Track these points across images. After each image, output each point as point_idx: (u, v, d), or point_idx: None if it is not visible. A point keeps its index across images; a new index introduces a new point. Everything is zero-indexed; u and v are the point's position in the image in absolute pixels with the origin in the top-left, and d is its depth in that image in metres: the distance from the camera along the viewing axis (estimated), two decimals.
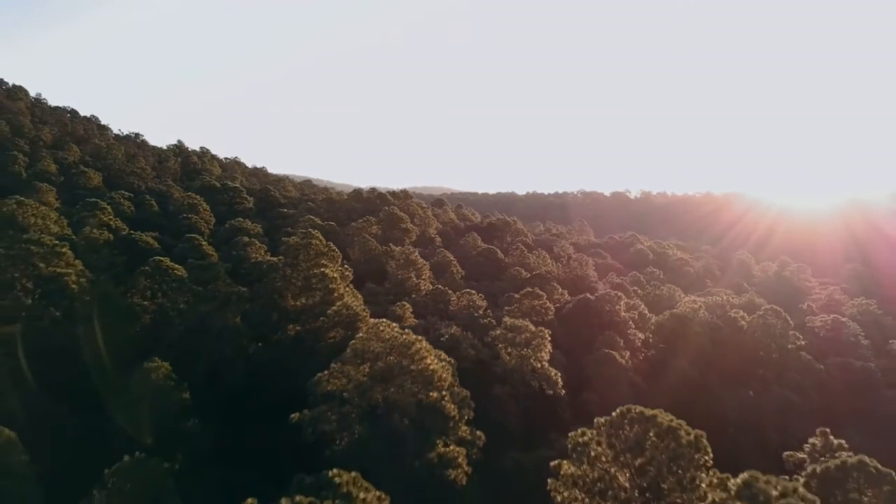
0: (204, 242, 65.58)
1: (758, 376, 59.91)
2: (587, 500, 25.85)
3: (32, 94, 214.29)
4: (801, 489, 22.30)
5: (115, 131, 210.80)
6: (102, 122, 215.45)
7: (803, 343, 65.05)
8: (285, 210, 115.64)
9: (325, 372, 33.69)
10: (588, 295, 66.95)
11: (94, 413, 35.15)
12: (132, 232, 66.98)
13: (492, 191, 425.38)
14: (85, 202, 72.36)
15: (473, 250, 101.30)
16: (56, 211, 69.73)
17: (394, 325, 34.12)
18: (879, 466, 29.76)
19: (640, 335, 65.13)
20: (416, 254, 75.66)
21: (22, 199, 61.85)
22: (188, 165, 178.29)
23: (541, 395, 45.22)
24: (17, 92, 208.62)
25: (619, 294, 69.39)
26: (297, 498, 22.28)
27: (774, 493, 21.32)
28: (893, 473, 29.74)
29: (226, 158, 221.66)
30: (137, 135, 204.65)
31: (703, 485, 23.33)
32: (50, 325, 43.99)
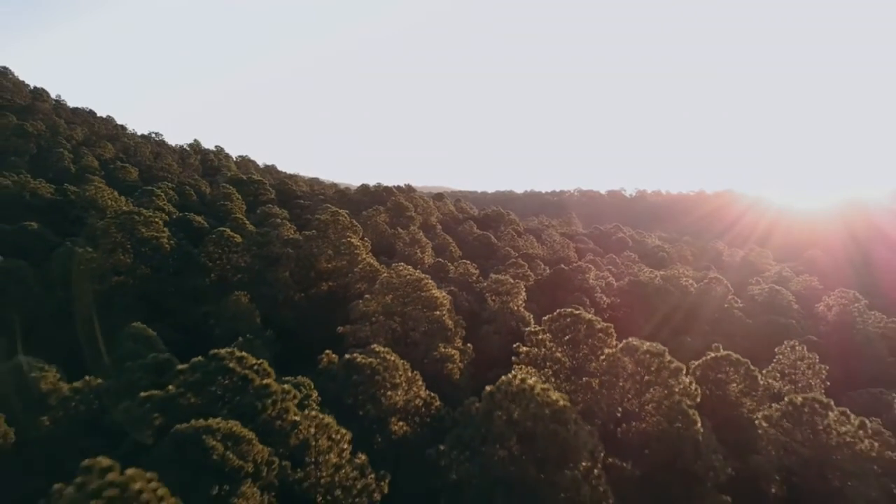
0: (247, 222, 79.38)
1: (699, 330, 73.67)
2: (535, 370, 39.64)
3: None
4: (667, 354, 36.06)
5: (130, 130, 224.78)
6: (118, 122, 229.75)
7: (740, 305, 78.98)
8: (302, 201, 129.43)
9: (361, 300, 47.53)
10: (563, 265, 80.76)
11: (191, 331, 49.12)
12: (185, 214, 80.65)
13: (490, 189, 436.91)
14: (143, 190, 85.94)
15: (470, 236, 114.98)
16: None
17: (409, 267, 47.99)
18: (740, 357, 43.52)
19: (606, 299, 78.89)
20: (421, 234, 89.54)
21: (100, 185, 75.69)
22: (206, 162, 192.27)
23: (517, 332, 58.80)
24: (42, 94, 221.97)
25: (590, 266, 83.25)
26: (354, 353, 36.24)
27: (644, 347, 35.13)
28: (748, 363, 43.53)
29: (238, 157, 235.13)
30: (157, 134, 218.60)
31: (607, 350, 37.13)
32: (141, 278, 58.05)
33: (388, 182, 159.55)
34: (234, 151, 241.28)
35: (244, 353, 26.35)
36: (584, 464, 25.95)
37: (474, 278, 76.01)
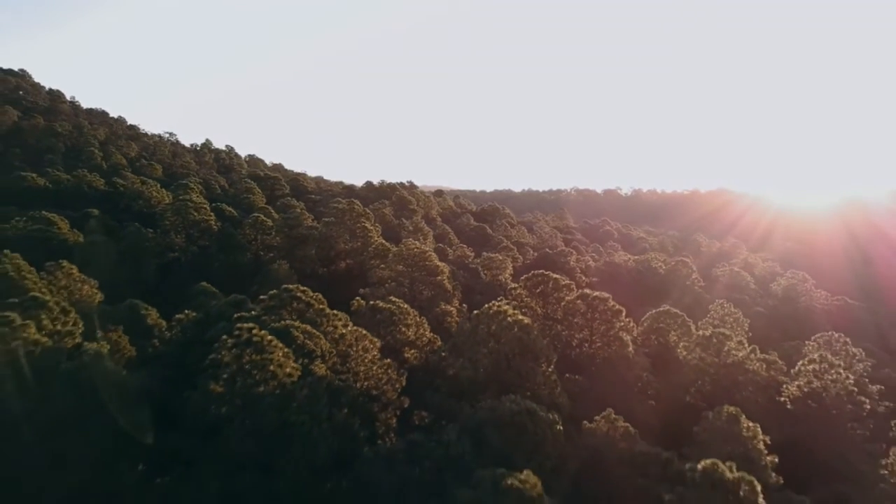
0: (272, 211, 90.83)
1: (663, 303, 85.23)
2: None
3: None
4: (611, 300, 47.50)
5: (142, 130, 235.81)
6: (129, 123, 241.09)
7: (702, 284, 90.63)
8: (313, 196, 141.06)
9: (377, 269, 59.06)
10: (547, 250, 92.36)
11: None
12: (217, 204, 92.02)
13: (489, 188, 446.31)
14: (178, 184, 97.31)
15: (467, 227, 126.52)
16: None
17: (415, 242, 59.50)
18: (678, 312, 55.03)
19: (585, 278, 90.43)
20: (423, 223, 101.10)
21: (146, 179, 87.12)
22: (219, 161, 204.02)
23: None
24: (59, 95, 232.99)
25: (572, 251, 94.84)
26: (376, 301, 47.72)
27: (594, 294, 46.60)
28: (685, 315, 55.00)
29: (247, 156, 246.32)
30: (172, 134, 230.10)
31: (567, 299, 48.60)
32: (192, 255, 69.51)
33: (390, 181, 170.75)
34: (238, 151, 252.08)
35: (306, 288, 37.82)
36: (542, 365, 37.43)
37: (470, 260, 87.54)
